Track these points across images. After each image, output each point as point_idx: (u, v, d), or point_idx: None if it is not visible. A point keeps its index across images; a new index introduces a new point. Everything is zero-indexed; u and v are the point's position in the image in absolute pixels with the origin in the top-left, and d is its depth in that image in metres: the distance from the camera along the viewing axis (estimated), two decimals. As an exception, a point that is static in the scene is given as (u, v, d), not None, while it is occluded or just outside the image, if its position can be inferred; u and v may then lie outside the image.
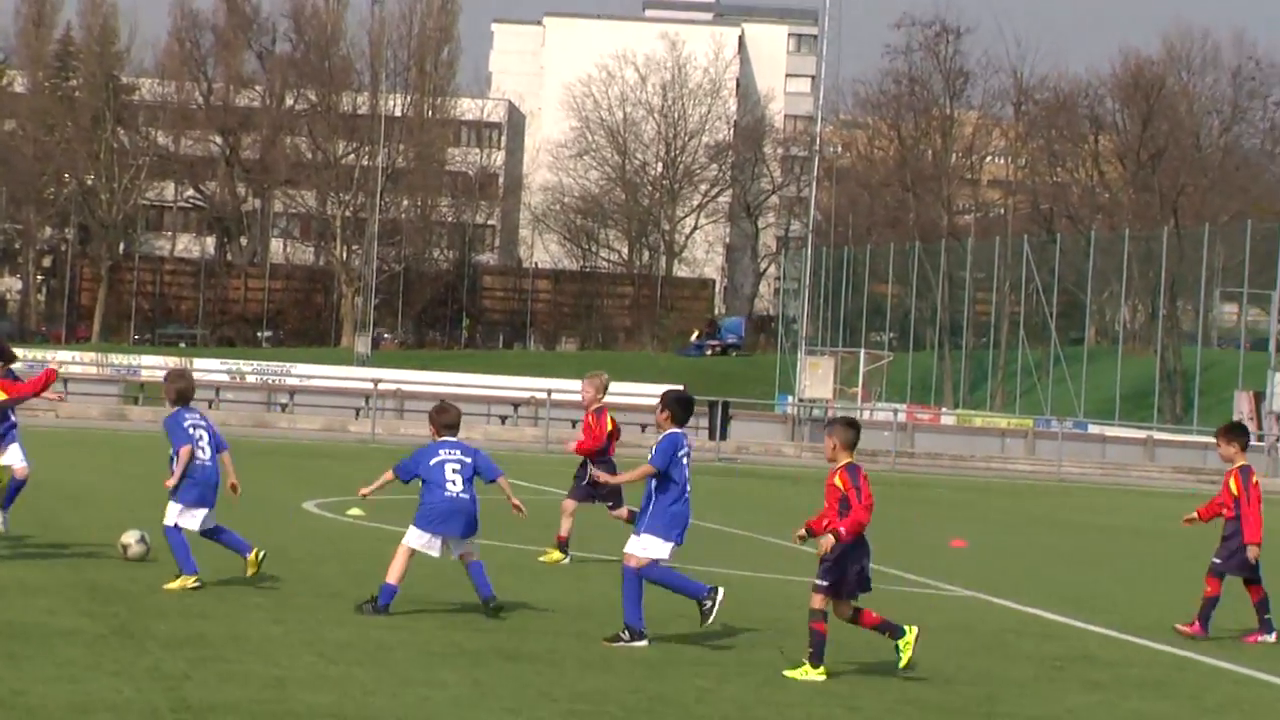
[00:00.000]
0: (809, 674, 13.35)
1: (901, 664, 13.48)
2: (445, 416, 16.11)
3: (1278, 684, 14.92)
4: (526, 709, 11.59)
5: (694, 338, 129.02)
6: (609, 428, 20.54)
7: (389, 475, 15.95)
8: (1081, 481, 56.12)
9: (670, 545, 14.56)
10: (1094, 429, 72.42)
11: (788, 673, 13.39)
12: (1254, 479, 17.38)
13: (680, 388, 15.23)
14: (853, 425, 13.85)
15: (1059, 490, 50.59)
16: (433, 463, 15.62)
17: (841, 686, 13.19)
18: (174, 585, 16.18)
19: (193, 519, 16.47)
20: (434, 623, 15.17)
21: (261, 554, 16.70)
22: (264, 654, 13.08)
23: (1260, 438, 66.63)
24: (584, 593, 17.93)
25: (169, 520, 16.40)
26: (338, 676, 12.33)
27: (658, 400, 15.17)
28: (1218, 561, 17.31)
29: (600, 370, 21.59)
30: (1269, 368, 68.93)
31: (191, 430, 16.48)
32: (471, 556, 15.70)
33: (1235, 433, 17.77)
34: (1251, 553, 17.12)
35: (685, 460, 14.61)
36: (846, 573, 13.46)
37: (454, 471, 15.57)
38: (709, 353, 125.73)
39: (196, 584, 16.17)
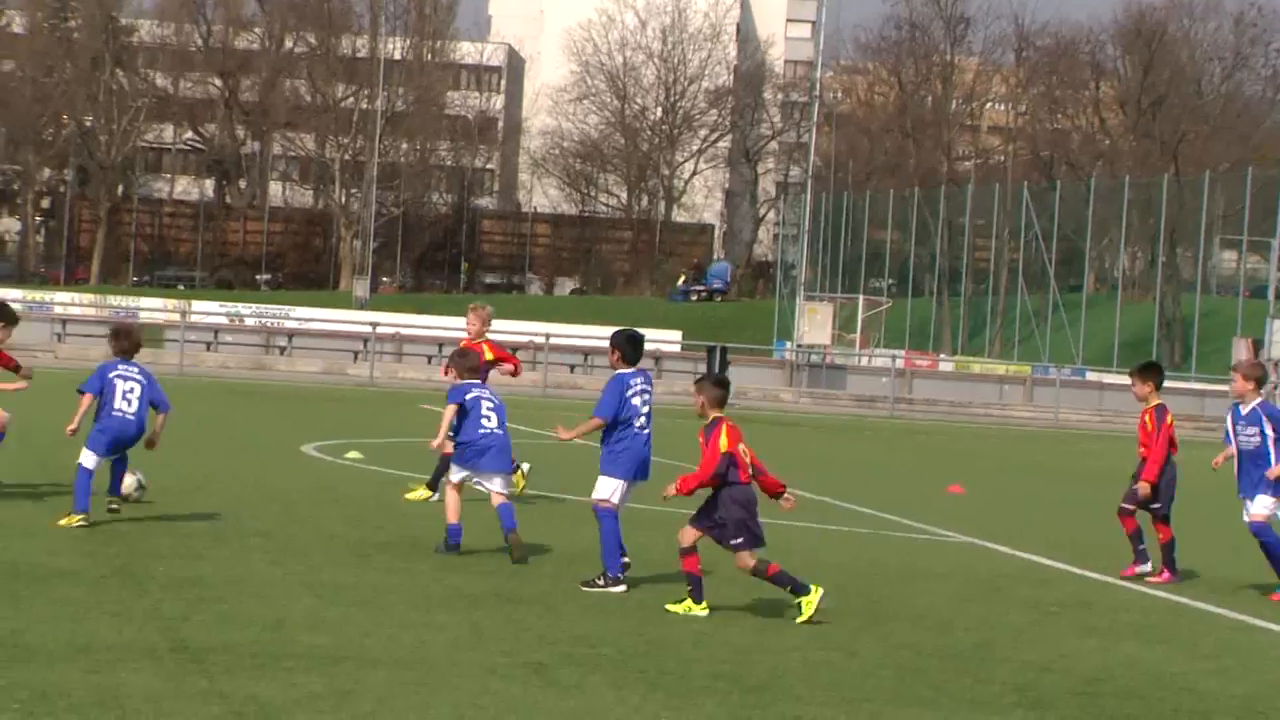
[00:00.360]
0: (811, 602, 13.42)
1: (674, 608, 13.67)
2: (466, 360, 16.71)
3: (1273, 629, 14.99)
4: (523, 651, 11.64)
5: (680, 283, 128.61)
6: (487, 356, 20.24)
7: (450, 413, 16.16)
8: (1079, 428, 56.22)
9: (620, 484, 14.56)
10: (1092, 376, 72.49)
11: (800, 618, 13.41)
12: (1168, 419, 17.48)
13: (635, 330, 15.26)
14: (721, 384, 13.97)
15: (1056, 437, 50.68)
16: (469, 397, 16.06)
17: (839, 632, 13.24)
18: (61, 522, 16.21)
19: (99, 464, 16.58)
20: (432, 566, 15.22)
21: (116, 507, 16.69)
22: (262, 596, 13.12)
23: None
24: (582, 537, 17.96)
25: (81, 460, 16.46)
26: (336, 618, 12.38)
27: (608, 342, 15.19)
28: (1157, 506, 17.41)
29: (483, 303, 21.71)
30: (1268, 315, 68.92)
31: (120, 380, 16.50)
32: (501, 498, 15.90)
33: (1149, 372, 17.88)
34: (1143, 489, 17.26)
35: (636, 398, 14.59)
36: (758, 524, 13.61)
37: (489, 410, 16.04)
38: (694, 298, 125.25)
39: (83, 523, 16.16)
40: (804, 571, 14.53)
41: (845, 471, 31.07)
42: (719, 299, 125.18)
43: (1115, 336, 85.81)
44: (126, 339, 17.05)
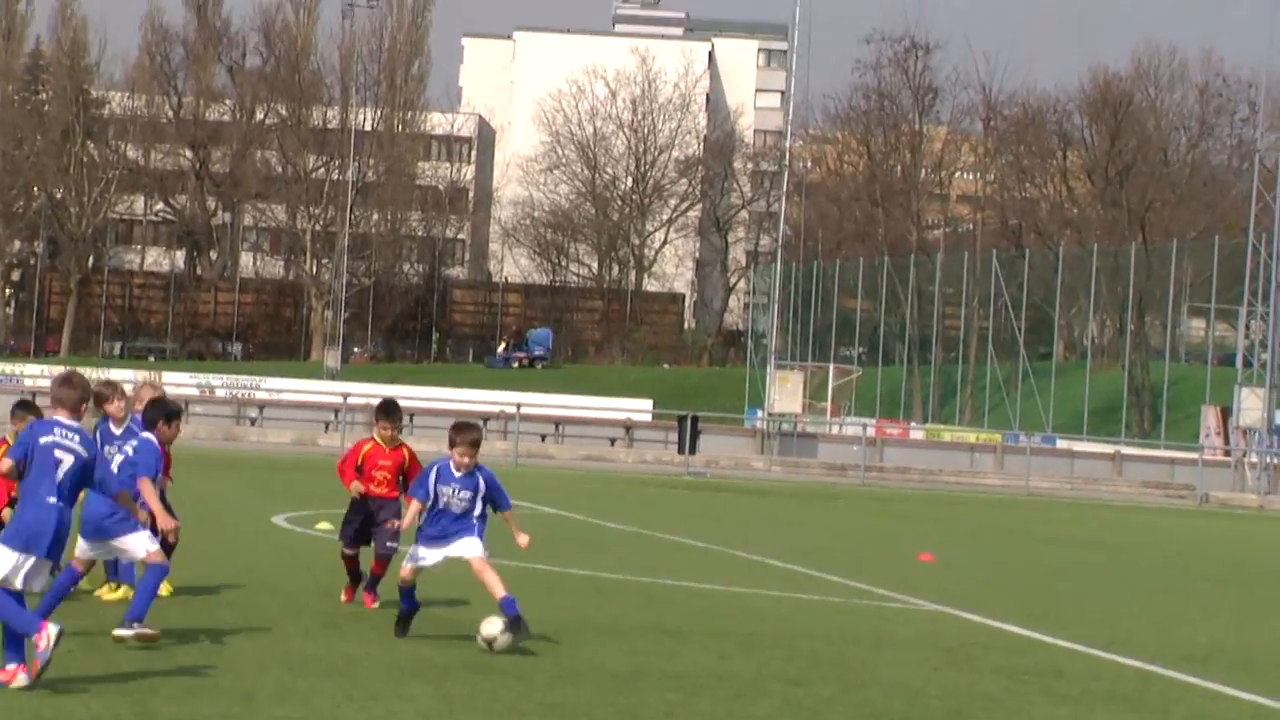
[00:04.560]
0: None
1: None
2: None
3: (1245, 699, 14.96)
4: (495, 722, 11.59)
5: (500, 350, 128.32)
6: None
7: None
8: (1049, 496, 56.25)
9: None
10: (1062, 444, 72.58)
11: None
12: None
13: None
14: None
15: (1027, 504, 50.69)
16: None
17: (810, 700, 13.20)
18: None
19: None
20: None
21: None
22: (232, 668, 13.05)
23: (1228, 453, 66.88)
24: (552, 607, 17.92)
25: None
26: (305, 690, 12.32)
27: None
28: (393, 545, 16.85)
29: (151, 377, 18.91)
30: (1236, 383, 69.17)
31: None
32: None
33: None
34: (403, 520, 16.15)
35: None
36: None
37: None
38: (515, 365, 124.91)
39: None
40: (776, 639, 14.57)
41: (816, 539, 31.04)
42: (540, 365, 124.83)
43: (1085, 404, 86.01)
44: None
